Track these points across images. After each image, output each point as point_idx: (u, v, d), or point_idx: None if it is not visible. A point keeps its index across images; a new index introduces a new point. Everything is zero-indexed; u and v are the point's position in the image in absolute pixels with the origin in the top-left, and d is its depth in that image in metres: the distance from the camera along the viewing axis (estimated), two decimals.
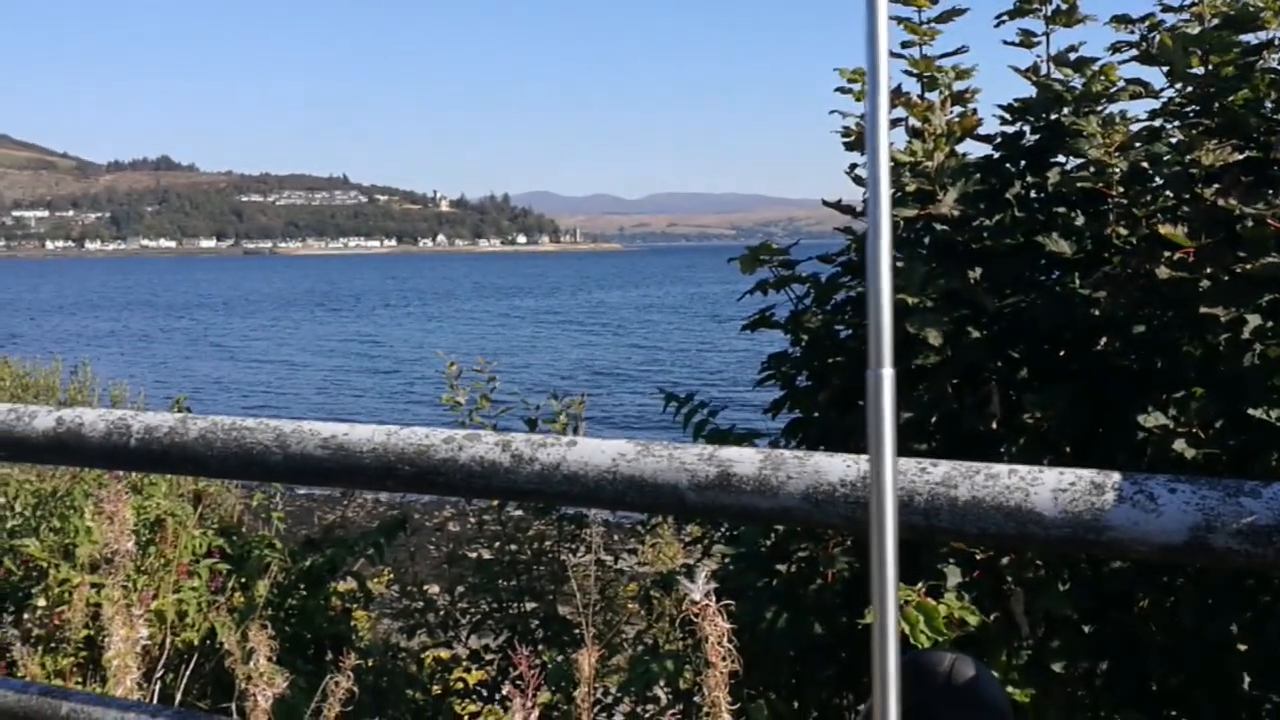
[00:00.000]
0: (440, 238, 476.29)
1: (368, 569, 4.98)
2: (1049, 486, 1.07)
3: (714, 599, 1.34)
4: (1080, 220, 3.02)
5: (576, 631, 4.48)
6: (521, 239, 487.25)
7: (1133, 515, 1.11)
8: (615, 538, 6.79)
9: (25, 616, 3.71)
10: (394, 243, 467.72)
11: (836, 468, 1.09)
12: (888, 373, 0.64)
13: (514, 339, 48.95)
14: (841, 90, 3.48)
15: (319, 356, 42.13)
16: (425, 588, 5.05)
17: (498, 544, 4.80)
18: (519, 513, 4.85)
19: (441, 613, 4.81)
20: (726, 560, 3.37)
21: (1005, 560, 2.85)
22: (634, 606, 5.18)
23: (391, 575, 5.36)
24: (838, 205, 3.65)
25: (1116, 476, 1.11)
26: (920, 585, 2.68)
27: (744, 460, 1.09)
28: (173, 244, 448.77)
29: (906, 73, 3.40)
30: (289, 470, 0.97)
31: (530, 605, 4.69)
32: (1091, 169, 2.97)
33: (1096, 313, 2.88)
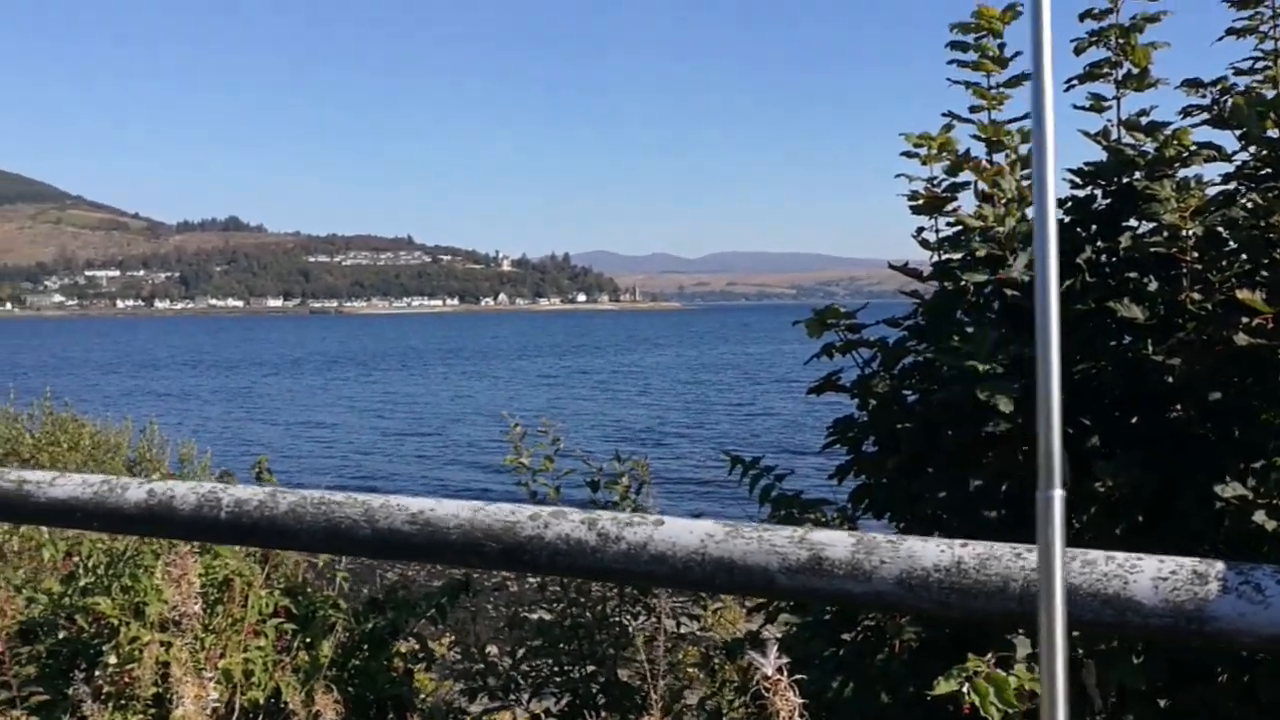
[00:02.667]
0: (501, 297, 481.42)
1: (428, 628, 4.98)
2: (1149, 575, 1.03)
3: (785, 673, 1.32)
4: (1153, 285, 2.98)
5: (638, 697, 4.43)
6: (581, 298, 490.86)
7: (1238, 606, 1.07)
8: (676, 601, 6.73)
9: (96, 673, 3.75)
10: (456, 302, 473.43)
11: (930, 553, 1.06)
12: (1058, 494, 0.63)
13: (565, 398, 48.99)
14: (907, 155, 3.49)
15: (369, 416, 42.55)
16: (486, 649, 5.03)
17: (560, 605, 4.78)
18: None
19: (502, 675, 4.78)
20: (792, 628, 3.33)
21: (1076, 631, 2.78)
22: (694, 672, 5.12)
23: (453, 637, 5.36)
24: (904, 268, 3.63)
25: (1220, 566, 1.07)
26: (989, 656, 2.63)
27: (836, 544, 1.06)
28: (240, 303, 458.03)
29: (975, 137, 3.40)
30: (377, 545, 0.98)
31: (590, 669, 4.65)
32: (1165, 233, 2.93)
33: (1170, 380, 2.83)
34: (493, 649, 5.39)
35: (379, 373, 72.25)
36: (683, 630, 5.32)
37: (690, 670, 5.11)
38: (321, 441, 34.55)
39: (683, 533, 0.88)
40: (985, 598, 1.02)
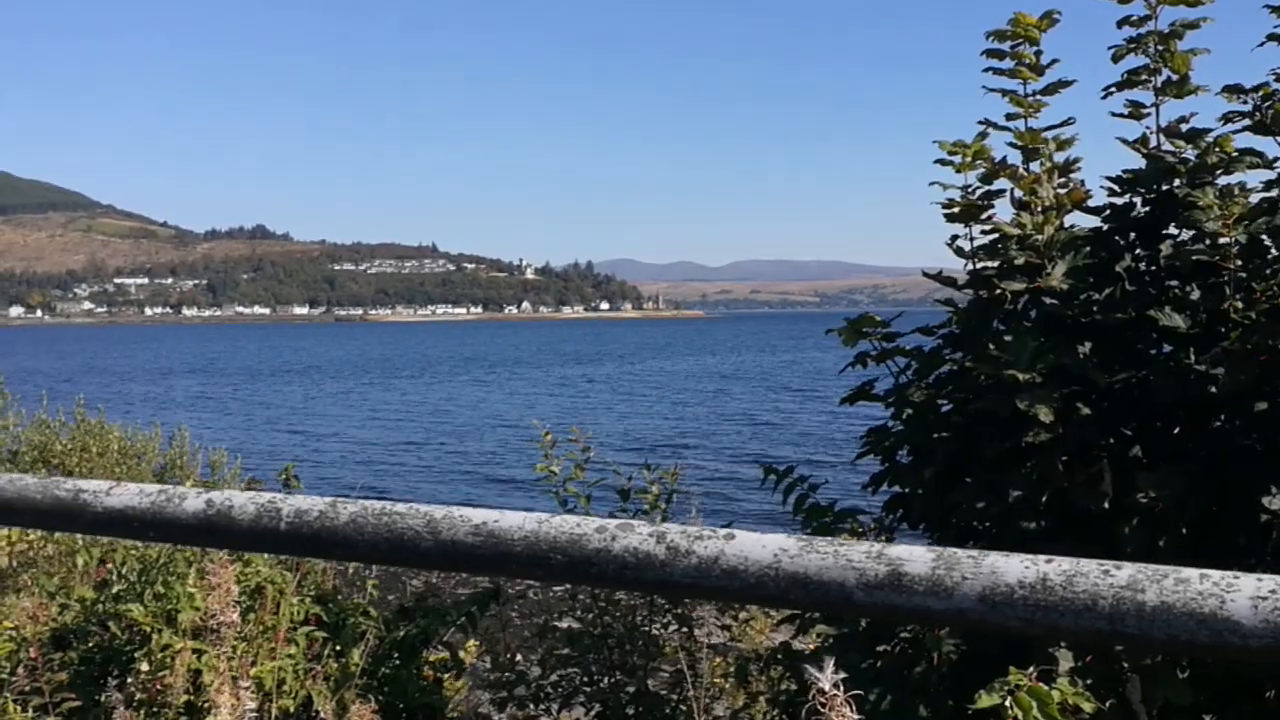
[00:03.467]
0: (525, 304, 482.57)
1: (455, 636, 4.97)
2: (1246, 594, 0.99)
3: (842, 689, 1.30)
4: (1195, 294, 2.94)
5: (669, 709, 4.41)
6: (604, 305, 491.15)
7: None
8: (704, 610, 6.71)
9: (128, 681, 3.76)
10: (480, 309, 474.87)
11: (1014, 568, 1.02)
12: None
13: (580, 406, 48.77)
14: (941, 162, 3.46)
15: (387, 425, 42.60)
16: (515, 658, 5.02)
17: (590, 615, 4.77)
18: None
19: (532, 685, 4.77)
20: (827, 639, 3.30)
21: (1173, 652, 2.73)
22: (721, 682, 5.08)
23: (482, 645, 5.35)
24: (938, 276, 3.60)
25: None
26: (1031, 669, 2.59)
27: (915, 559, 1.02)
28: (266, 311, 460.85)
29: (1011, 145, 3.37)
30: (440, 556, 0.96)
31: (619, 678, 4.63)
32: (1206, 241, 2.90)
33: (1214, 390, 2.79)
34: (518, 657, 5.38)
35: (398, 380, 72.44)
36: (712, 640, 5.30)
37: (718, 680, 5.08)
38: (337, 450, 34.61)
39: (755, 547, 0.85)
40: (1073, 615, 1.00)
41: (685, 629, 4.76)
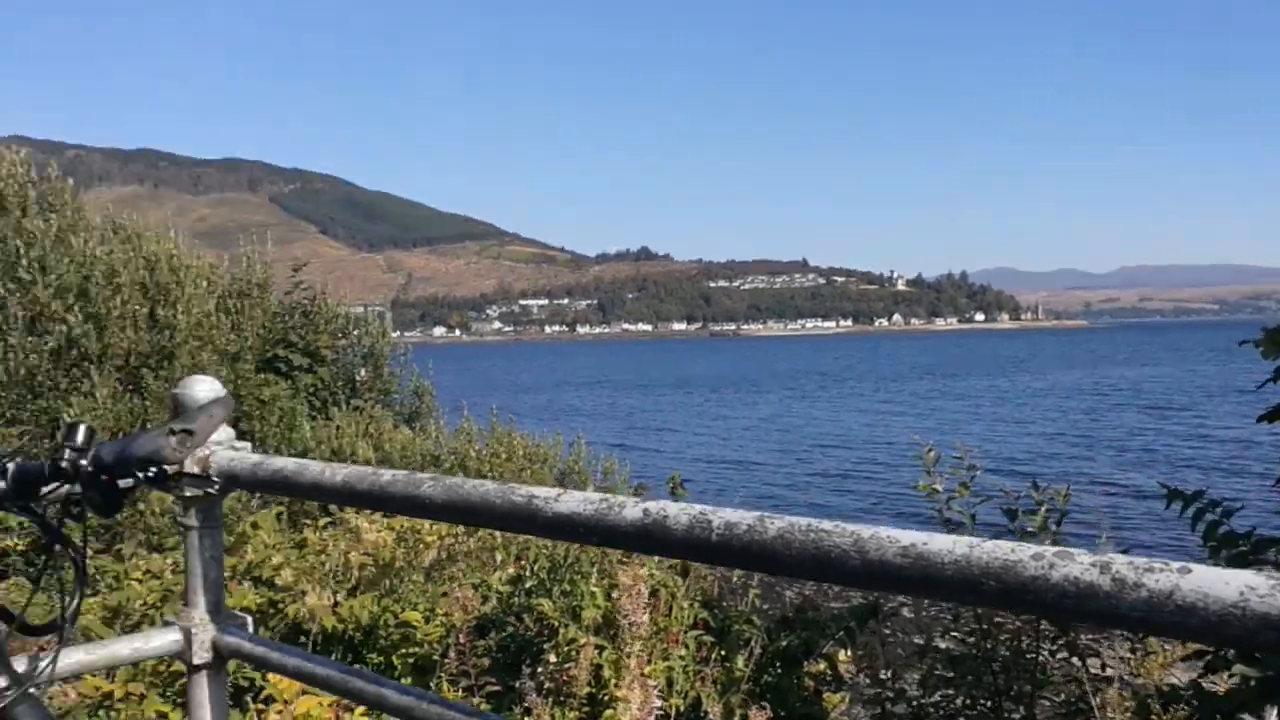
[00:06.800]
0: (895, 317, 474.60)
1: (832, 649, 4.98)
2: None
3: None
4: None
5: None
6: (980, 317, 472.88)
7: None
8: (1091, 636, 6.31)
9: (539, 669, 4.09)
10: (850, 323, 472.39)
11: None
12: None
13: (943, 425, 46.58)
14: None
15: (751, 435, 43.06)
16: (895, 675, 4.96)
17: (973, 638, 4.63)
18: None
19: (912, 704, 4.70)
20: (1248, 681, 3.01)
21: None
22: (1116, 716, 4.77)
23: (862, 661, 5.34)
24: None
25: None
26: None
27: None
28: (649, 327, 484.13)
29: None
30: (865, 575, 1.00)
31: (1003, 703, 4.46)
32: None
33: None
34: (887, 674, 5.31)
35: (762, 395, 73.43)
36: (1106, 672, 4.99)
37: (1113, 716, 4.77)
38: (704, 460, 35.43)
39: (1216, 583, 0.80)
40: None
41: (1076, 658, 4.51)
